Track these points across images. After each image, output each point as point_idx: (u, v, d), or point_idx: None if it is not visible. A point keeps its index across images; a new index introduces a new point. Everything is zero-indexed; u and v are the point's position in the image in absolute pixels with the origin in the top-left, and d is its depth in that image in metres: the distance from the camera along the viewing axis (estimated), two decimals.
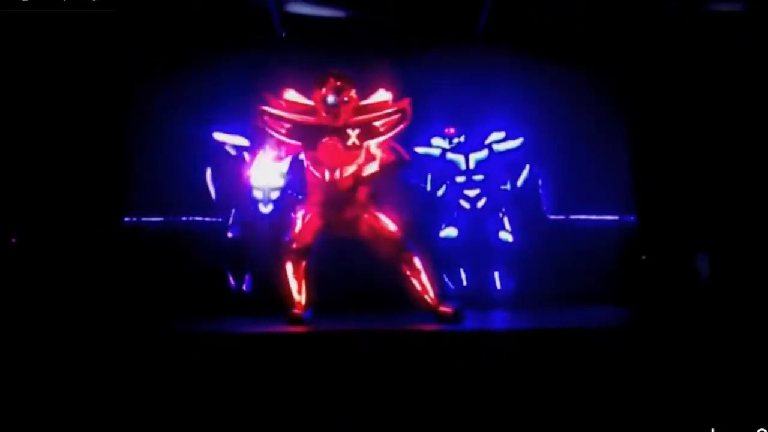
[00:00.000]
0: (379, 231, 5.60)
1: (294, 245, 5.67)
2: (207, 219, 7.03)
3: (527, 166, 7.08)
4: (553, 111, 7.22)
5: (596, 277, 6.80)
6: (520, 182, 7.07)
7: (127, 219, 6.99)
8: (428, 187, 7.08)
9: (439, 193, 7.06)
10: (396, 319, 5.68)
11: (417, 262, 5.57)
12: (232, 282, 6.82)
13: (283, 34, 7.23)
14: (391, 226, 5.62)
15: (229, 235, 6.83)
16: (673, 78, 7.22)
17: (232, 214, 6.86)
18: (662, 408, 3.52)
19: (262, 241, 6.72)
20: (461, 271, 6.93)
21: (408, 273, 5.55)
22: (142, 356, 4.59)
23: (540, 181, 7.24)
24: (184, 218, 7.05)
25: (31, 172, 6.63)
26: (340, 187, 5.59)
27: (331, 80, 5.61)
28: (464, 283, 6.86)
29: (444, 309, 5.49)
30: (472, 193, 6.90)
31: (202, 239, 6.98)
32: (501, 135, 6.98)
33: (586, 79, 7.26)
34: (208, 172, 6.92)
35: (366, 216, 5.64)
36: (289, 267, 5.67)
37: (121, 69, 6.94)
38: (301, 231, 5.68)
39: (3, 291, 6.00)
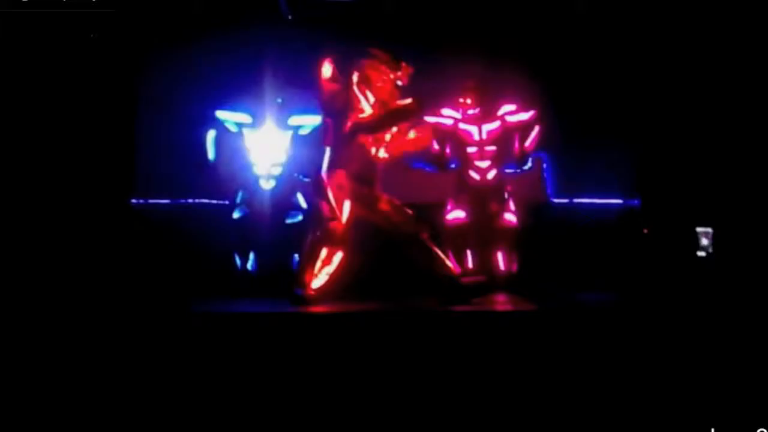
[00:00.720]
0: (399, 211, 5.77)
1: (339, 236, 5.72)
2: (213, 201, 7.07)
3: (536, 128, 7.02)
4: (558, 95, 7.22)
5: (599, 260, 6.85)
6: (528, 142, 7.02)
7: (134, 201, 7.01)
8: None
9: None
10: (400, 302, 5.78)
11: (433, 239, 5.80)
12: (238, 262, 6.83)
13: (289, 17, 7.19)
14: (407, 210, 5.82)
15: (235, 215, 6.82)
16: (675, 60, 7.20)
17: (239, 196, 6.86)
18: (662, 407, 3.58)
19: (265, 220, 6.76)
20: (468, 253, 6.89)
21: (424, 249, 5.72)
22: (151, 338, 4.66)
23: (544, 165, 7.28)
24: (191, 200, 7.09)
25: (39, 157, 6.65)
26: (381, 163, 5.82)
27: (404, 65, 5.74)
28: (470, 264, 6.85)
29: (468, 279, 5.76)
30: (483, 164, 6.85)
31: (209, 221, 7.01)
32: (512, 107, 6.95)
33: (589, 62, 7.25)
34: (210, 134, 6.88)
35: (386, 197, 5.81)
36: (323, 252, 5.73)
37: (127, 53, 6.93)
38: (347, 222, 5.73)
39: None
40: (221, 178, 6.91)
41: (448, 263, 5.82)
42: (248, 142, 6.81)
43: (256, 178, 6.81)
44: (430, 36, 7.16)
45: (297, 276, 5.77)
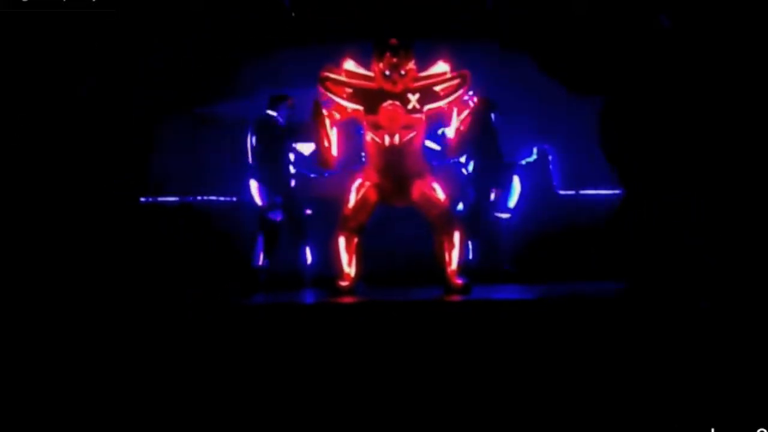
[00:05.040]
0: (430, 198, 5.82)
1: (350, 223, 5.83)
2: (222, 198, 7.14)
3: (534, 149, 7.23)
4: (565, 86, 7.28)
5: (605, 249, 6.90)
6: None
7: (143, 199, 7.09)
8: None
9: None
10: (424, 291, 5.89)
11: (456, 236, 5.82)
12: (258, 259, 6.78)
13: (293, 14, 7.22)
14: (441, 194, 5.85)
15: (273, 216, 6.59)
16: (675, 48, 7.19)
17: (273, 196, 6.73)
18: (662, 407, 3.61)
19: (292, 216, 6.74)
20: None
21: (444, 243, 5.80)
22: (163, 335, 4.70)
23: (550, 157, 7.31)
24: (200, 198, 7.16)
25: (51, 156, 6.69)
26: (399, 151, 5.77)
27: (387, 55, 5.72)
28: (470, 256, 6.84)
29: (457, 281, 5.76)
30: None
31: (218, 218, 7.09)
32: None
33: (595, 56, 7.27)
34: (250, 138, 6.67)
35: (419, 182, 5.83)
36: (342, 241, 5.84)
37: (137, 53, 7.00)
38: (356, 207, 5.84)
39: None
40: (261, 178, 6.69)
41: (451, 265, 5.83)
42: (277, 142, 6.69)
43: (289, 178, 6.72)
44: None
45: (336, 269, 5.90)
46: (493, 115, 6.85)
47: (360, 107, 5.82)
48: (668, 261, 6.23)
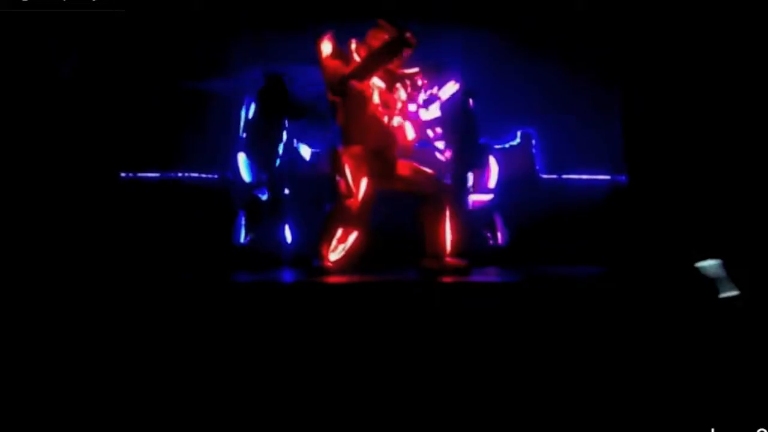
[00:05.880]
0: (421, 172, 5.84)
1: (354, 219, 5.69)
2: (203, 175, 7.07)
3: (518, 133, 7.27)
4: (546, 70, 7.26)
5: (586, 235, 6.94)
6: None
7: (123, 174, 6.97)
8: None
9: None
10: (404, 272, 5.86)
11: (448, 213, 5.82)
12: (240, 235, 6.78)
13: None
14: (428, 170, 5.89)
15: (262, 196, 6.75)
16: (668, 35, 7.18)
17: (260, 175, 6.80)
18: (661, 407, 3.66)
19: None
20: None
21: (439, 220, 5.78)
22: (146, 311, 4.64)
23: (533, 141, 7.33)
24: (180, 174, 7.06)
25: (27, 132, 6.51)
26: (395, 133, 5.78)
27: (408, 36, 5.59)
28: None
29: (453, 261, 5.78)
30: (440, 144, 6.68)
31: (199, 194, 7.02)
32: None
33: (578, 38, 7.27)
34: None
35: (401, 161, 5.83)
36: (339, 232, 5.72)
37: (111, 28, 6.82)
38: (363, 202, 5.66)
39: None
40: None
41: (445, 242, 5.84)
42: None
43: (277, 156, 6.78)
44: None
45: (317, 248, 5.78)
46: (471, 101, 6.84)
47: (382, 84, 5.78)
48: (662, 257, 6.28)
